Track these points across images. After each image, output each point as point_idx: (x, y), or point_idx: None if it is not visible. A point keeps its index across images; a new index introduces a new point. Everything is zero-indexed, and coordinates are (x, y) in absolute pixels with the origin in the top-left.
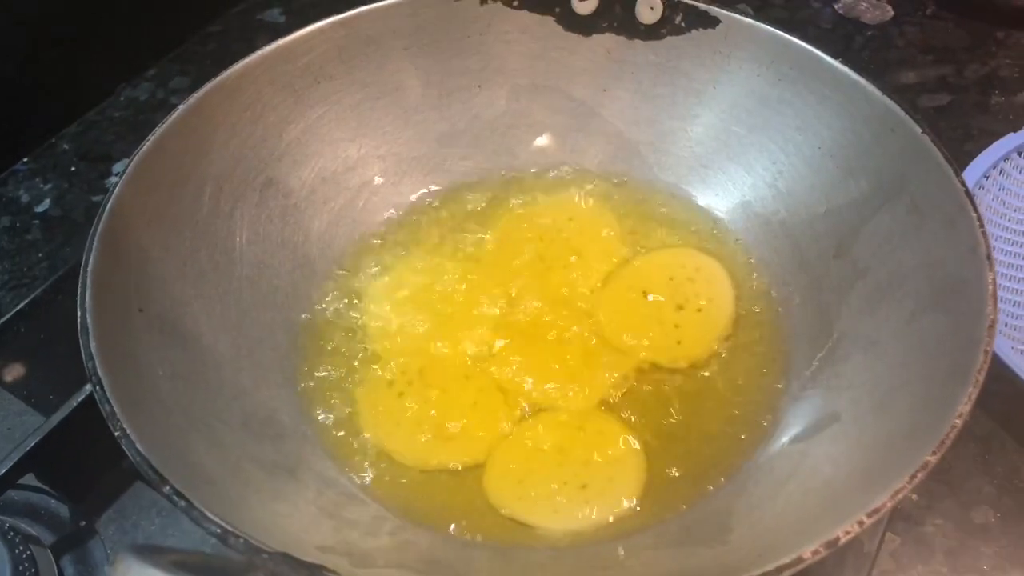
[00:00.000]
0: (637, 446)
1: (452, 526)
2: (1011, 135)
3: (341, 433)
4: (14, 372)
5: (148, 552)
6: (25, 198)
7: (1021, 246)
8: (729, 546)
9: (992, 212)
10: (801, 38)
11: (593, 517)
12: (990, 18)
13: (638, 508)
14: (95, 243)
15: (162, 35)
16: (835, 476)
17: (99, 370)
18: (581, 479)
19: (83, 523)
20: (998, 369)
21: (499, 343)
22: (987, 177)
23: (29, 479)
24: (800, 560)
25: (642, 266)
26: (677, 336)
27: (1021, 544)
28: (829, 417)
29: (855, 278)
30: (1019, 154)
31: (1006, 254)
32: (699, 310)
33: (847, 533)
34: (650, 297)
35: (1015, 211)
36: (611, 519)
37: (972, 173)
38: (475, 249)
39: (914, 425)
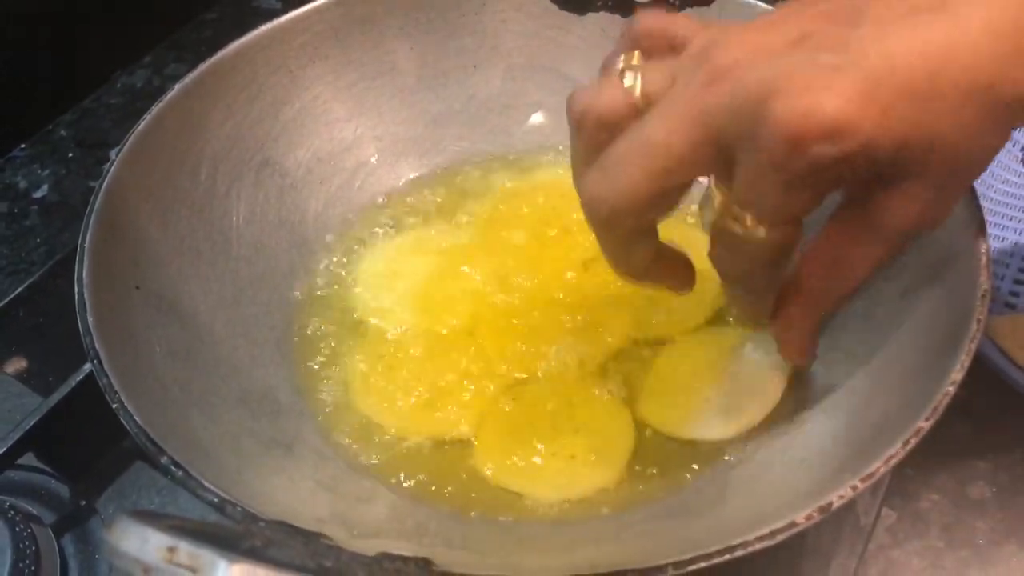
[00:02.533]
0: (626, 417)
1: (447, 498)
2: None
3: (336, 408)
4: (13, 355)
5: (145, 516)
6: (23, 184)
7: (998, 215)
8: (724, 517)
9: (977, 181)
10: None
11: (582, 487)
12: None
13: (631, 482)
14: (92, 219)
15: (158, 22)
16: (830, 446)
17: (96, 344)
18: (570, 450)
19: (83, 502)
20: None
21: (489, 316)
22: None
23: (29, 459)
24: (794, 524)
25: None
26: (665, 308)
27: (1016, 519)
28: (824, 389)
29: None
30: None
31: (989, 224)
32: None
33: (841, 498)
34: None
35: (1001, 182)
36: (604, 492)
37: None
38: (467, 225)
39: (908, 394)
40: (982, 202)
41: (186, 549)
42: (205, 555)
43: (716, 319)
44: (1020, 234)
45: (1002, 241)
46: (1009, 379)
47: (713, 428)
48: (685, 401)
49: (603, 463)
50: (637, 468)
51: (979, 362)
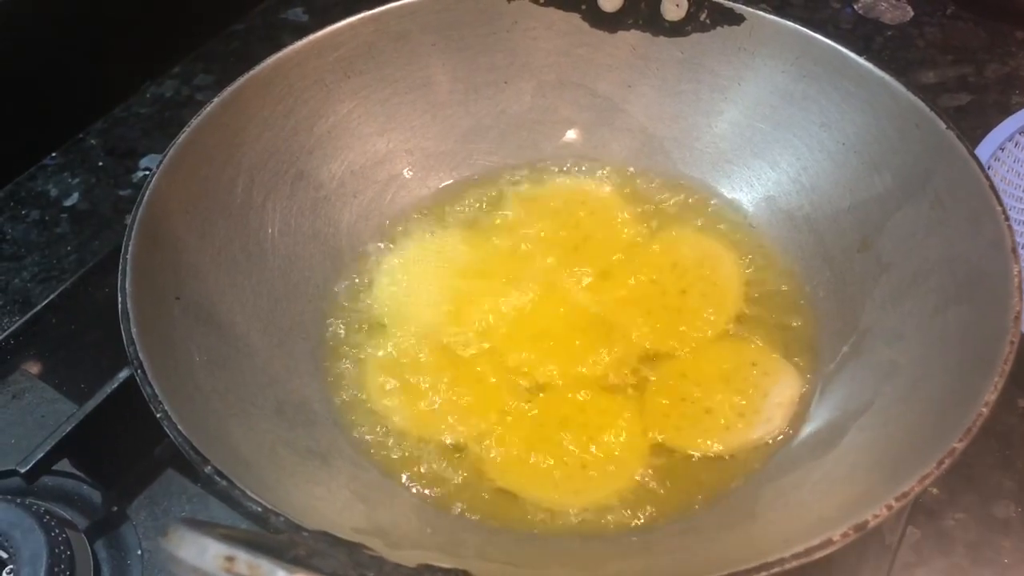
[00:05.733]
0: (638, 428)
1: (470, 506)
2: None
3: (366, 417)
4: (46, 362)
5: (201, 525)
6: (54, 192)
7: None
8: (755, 533)
9: (1006, 183)
10: (832, 38)
11: (592, 496)
12: (1010, 18)
13: (661, 495)
14: (135, 230)
15: (187, 33)
16: (862, 464)
17: (140, 354)
18: (581, 459)
19: (115, 508)
20: None
21: (508, 325)
22: (1003, 149)
23: (63, 465)
24: (830, 542)
25: (649, 252)
26: (680, 322)
27: None
28: (855, 408)
29: (879, 272)
30: None
31: (1017, 223)
32: (703, 295)
33: (876, 517)
34: (655, 282)
35: None
36: (621, 504)
37: (988, 145)
38: (490, 236)
39: (940, 415)
40: (1012, 202)
41: (245, 559)
42: (264, 565)
43: (731, 333)
44: None
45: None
46: None
47: (719, 443)
48: (694, 415)
49: (613, 473)
50: (650, 480)
51: (1015, 370)
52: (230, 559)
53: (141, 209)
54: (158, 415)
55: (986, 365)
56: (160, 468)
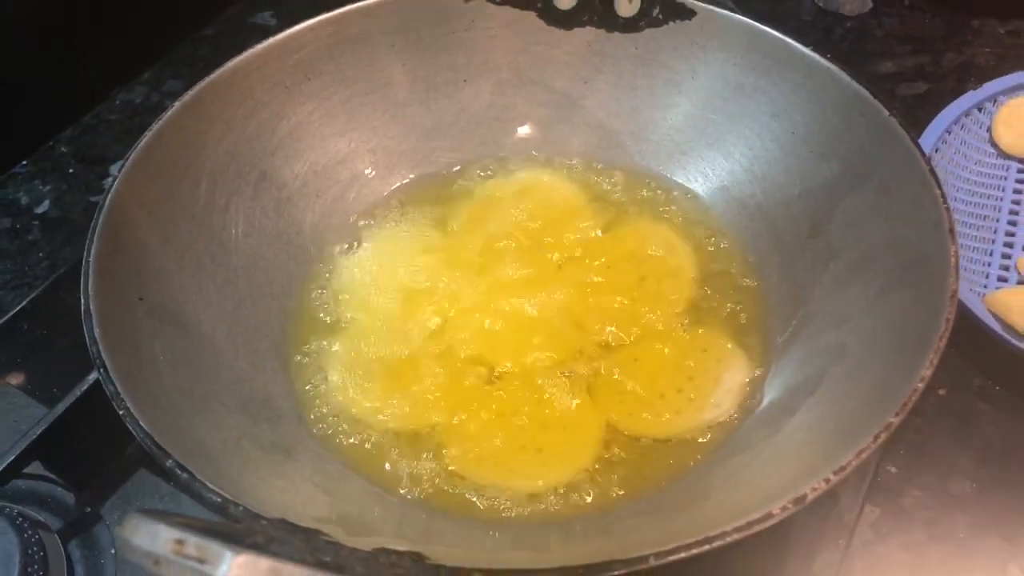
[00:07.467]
0: (592, 413)
1: (432, 496)
2: (969, 93)
3: (332, 413)
4: (18, 367)
5: (154, 513)
6: (25, 200)
7: (977, 195)
8: (707, 511)
9: (953, 164)
10: (781, 30)
11: (548, 480)
12: (966, 7)
13: (615, 479)
14: (96, 233)
15: (156, 40)
16: (809, 442)
17: (103, 354)
18: (538, 445)
19: (88, 509)
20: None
21: (466, 316)
22: (949, 132)
23: (35, 468)
24: (770, 516)
25: (606, 243)
26: (635, 310)
27: (997, 512)
28: (805, 389)
29: (829, 258)
30: (979, 110)
31: (965, 203)
32: (658, 284)
33: (814, 490)
34: (612, 272)
35: (975, 163)
36: (579, 486)
37: (935, 129)
38: (450, 230)
39: (883, 392)
40: (960, 183)
41: (194, 541)
42: (212, 547)
43: (685, 320)
44: (999, 211)
45: (984, 219)
46: (1013, 348)
47: (671, 428)
48: (647, 400)
49: (569, 457)
50: (604, 465)
51: (970, 349)
52: (180, 542)
53: (103, 213)
54: (120, 412)
55: (924, 342)
56: (132, 468)
